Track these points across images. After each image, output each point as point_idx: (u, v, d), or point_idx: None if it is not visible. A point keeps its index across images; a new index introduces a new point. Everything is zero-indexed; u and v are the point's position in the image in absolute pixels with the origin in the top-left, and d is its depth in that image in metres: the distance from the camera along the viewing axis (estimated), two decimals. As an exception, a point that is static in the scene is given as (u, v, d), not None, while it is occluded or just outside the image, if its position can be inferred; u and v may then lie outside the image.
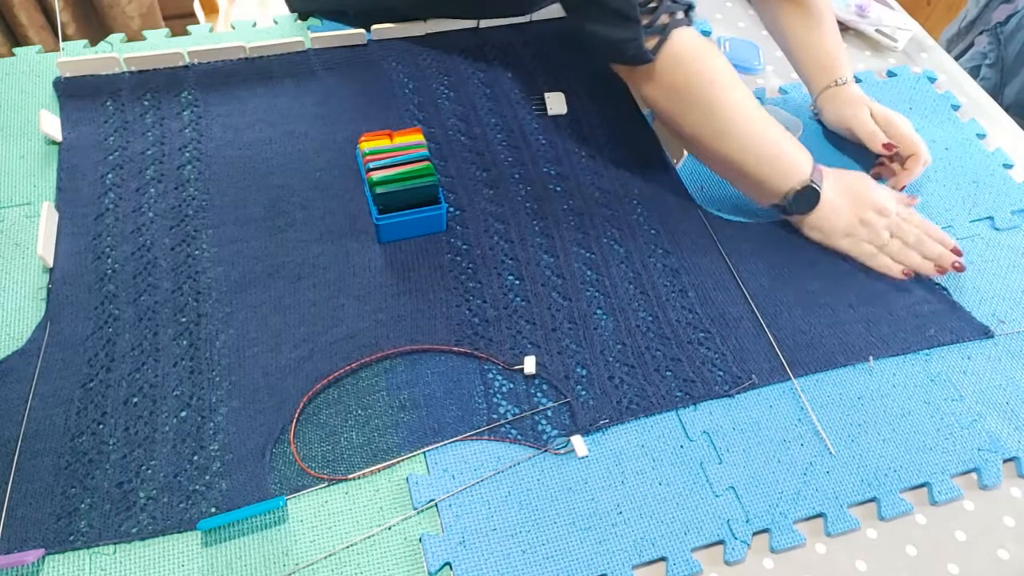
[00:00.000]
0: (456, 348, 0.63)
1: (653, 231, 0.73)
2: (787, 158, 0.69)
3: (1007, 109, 1.02)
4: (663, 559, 0.54)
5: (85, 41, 0.84)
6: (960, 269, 0.70)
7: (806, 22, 0.80)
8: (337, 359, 0.61)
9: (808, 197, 0.70)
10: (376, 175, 0.67)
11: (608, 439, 0.60)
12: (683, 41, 0.68)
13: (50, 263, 0.65)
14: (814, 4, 0.79)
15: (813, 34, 0.80)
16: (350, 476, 0.56)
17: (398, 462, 0.57)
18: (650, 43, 0.67)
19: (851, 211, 0.71)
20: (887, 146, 0.76)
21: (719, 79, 0.69)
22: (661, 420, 0.61)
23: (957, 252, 0.71)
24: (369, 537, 0.54)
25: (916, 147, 0.76)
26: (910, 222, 0.72)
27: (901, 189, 0.77)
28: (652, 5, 0.67)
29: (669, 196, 0.76)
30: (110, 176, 0.72)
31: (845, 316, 0.68)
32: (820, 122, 0.85)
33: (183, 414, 0.58)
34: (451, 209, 0.72)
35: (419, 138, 0.71)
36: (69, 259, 0.66)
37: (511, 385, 0.62)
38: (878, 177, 0.80)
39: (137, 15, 1.51)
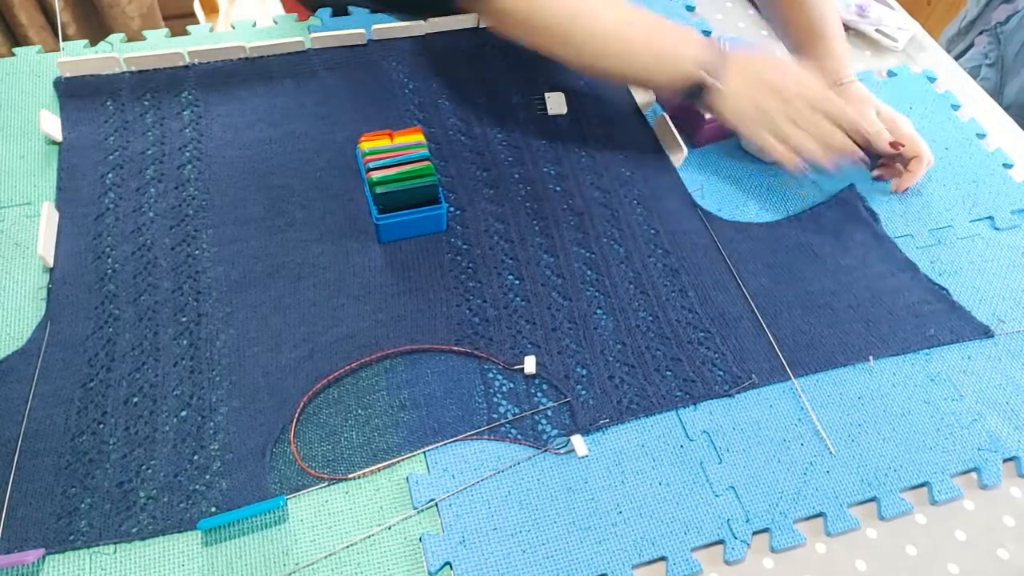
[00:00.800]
0: (456, 348, 0.63)
1: (653, 231, 0.73)
2: (669, 56, 0.68)
3: (1007, 109, 1.02)
4: (663, 559, 0.54)
5: (85, 41, 0.84)
6: (866, 163, 0.70)
7: (811, 23, 0.80)
8: (337, 359, 0.61)
9: (701, 90, 0.69)
10: (376, 175, 0.67)
11: (608, 439, 0.60)
12: None
13: (50, 263, 0.65)
14: (819, 5, 0.79)
15: (817, 34, 0.80)
16: (350, 476, 0.56)
17: (398, 462, 0.57)
18: None
19: (753, 98, 0.69)
20: (894, 144, 0.76)
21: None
22: (661, 420, 0.61)
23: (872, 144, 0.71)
24: (369, 537, 0.54)
25: (919, 148, 0.76)
26: (815, 108, 0.69)
27: (904, 191, 0.77)
28: None
29: (669, 196, 0.76)
30: (110, 176, 0.72)
31: (845, 316, 0.68)
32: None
33: (183, 414, 0.58)
34: (451, 209, 0.72)
35: (419, 138, 0.71)
36: (69, 259, 0.66)
37: (511, 385, 0.62)
38: (880, 179, 0.80)
39: (137, 15, 1.51)
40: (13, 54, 0.82)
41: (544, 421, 0.60)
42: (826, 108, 0.70)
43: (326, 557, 0.53)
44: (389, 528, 0.54)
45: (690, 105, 0.74)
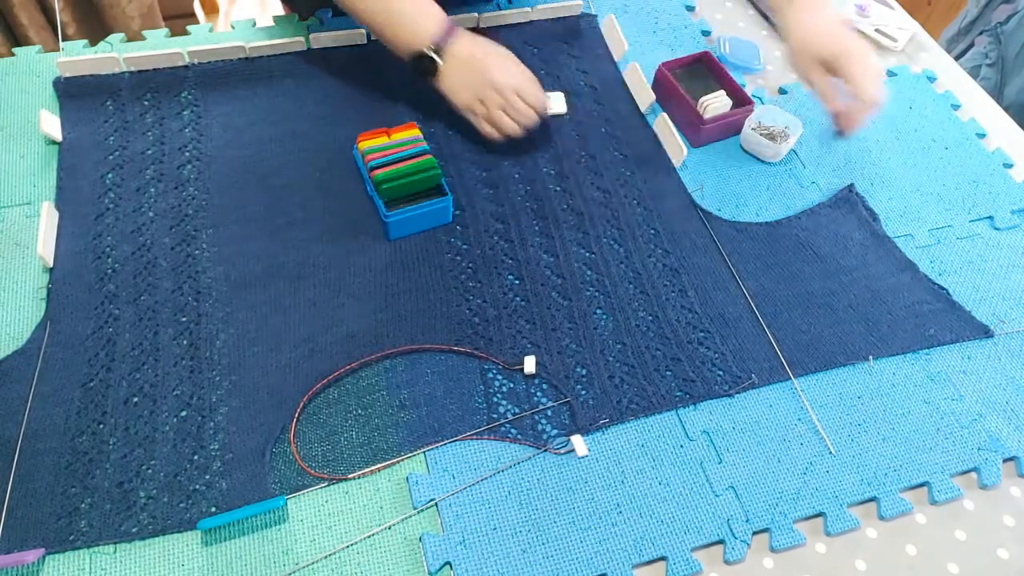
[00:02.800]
0: (456, 348, 0.63)
1: (653, 231, 0.73)
2: (410, 21, 0.73)
3: (1007, 109, 1.02)
4: (663, 558, 0.54)
5: (85, 41, 0.84)
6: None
7: None
8: (337, 358, 0.61)
9: (426, 66, 0.73)
10: (379, 173, 0.67)
11: (608, 439, 0.60)
12: None
13: (50, 263, 0.65)
14: None
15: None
16: (350, 476, 0.56)
17: (398, 462, 0.57)
18: None
19: (472, 87, 0.74)
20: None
21: None
22: (661, 420, 0.61)
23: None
24: (369, 537, 0.54)
25: (865, 93, 0.72)
26: (522, 100, 0.75)
27: (846, 131, 0.75)
28: None
29: (669, 196, 0.76)
30: (110, 176, 0.72)
31: (845, 316, 0.68)
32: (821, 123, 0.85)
33: (183, 414, 0.58)
34: (451, 208, 0.72)
35: (416, 133, 0.71)
36: (69, 259, 0.66)
37: (511, 385, 0.62)
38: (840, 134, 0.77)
39: (137, 15, 1.51)
40: (13, 54, 0.82)
41: (544, 421, 0.60)
42: (525, 93, 0.76)
43: (326, 557, 0.53)
44: (389, 528, 0.54)
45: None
